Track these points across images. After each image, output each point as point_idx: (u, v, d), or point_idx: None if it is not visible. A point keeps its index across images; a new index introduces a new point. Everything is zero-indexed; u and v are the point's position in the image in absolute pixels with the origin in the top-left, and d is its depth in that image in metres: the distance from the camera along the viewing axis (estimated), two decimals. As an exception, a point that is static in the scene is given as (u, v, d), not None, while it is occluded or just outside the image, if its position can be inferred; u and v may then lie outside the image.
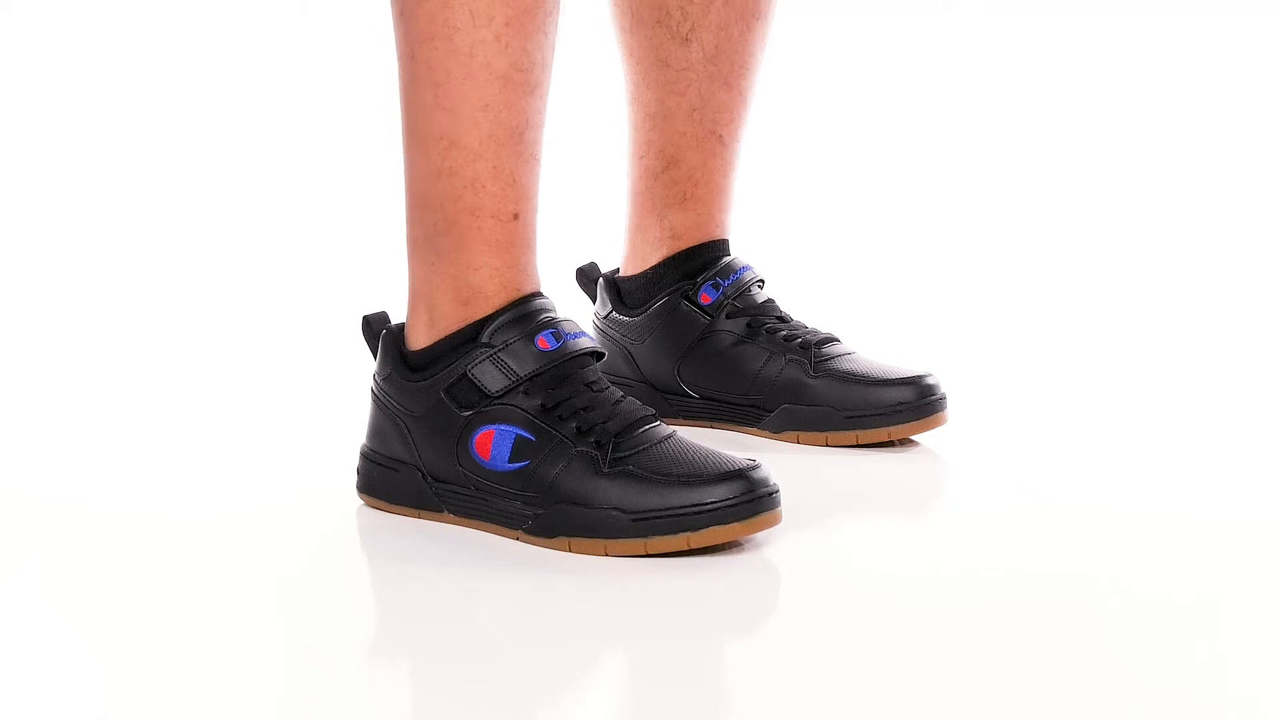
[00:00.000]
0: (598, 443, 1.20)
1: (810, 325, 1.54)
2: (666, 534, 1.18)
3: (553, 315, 1.26)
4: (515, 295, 1.26)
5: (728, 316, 1.53)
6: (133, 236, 2.39)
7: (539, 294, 1.28)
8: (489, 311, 1.25)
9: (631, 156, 1.55)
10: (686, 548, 1.18)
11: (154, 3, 2.65)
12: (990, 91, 2.71)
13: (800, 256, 2.25)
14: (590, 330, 1.56)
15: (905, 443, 1.49)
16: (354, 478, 1.32)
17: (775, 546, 1.21)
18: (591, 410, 1.22)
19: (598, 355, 1.27)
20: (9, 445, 1.54)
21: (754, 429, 1.52)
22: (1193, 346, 1.92)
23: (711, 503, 1.18)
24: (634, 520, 1.18)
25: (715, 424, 1.54)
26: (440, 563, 1.19)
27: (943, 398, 1.48)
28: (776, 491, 1.21)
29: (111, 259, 2.31)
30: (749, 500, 1.19)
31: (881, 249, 2.43)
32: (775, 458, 1.41)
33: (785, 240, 2.28)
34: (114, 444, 1.54)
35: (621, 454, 1.20)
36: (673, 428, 1.26)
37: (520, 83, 1.23)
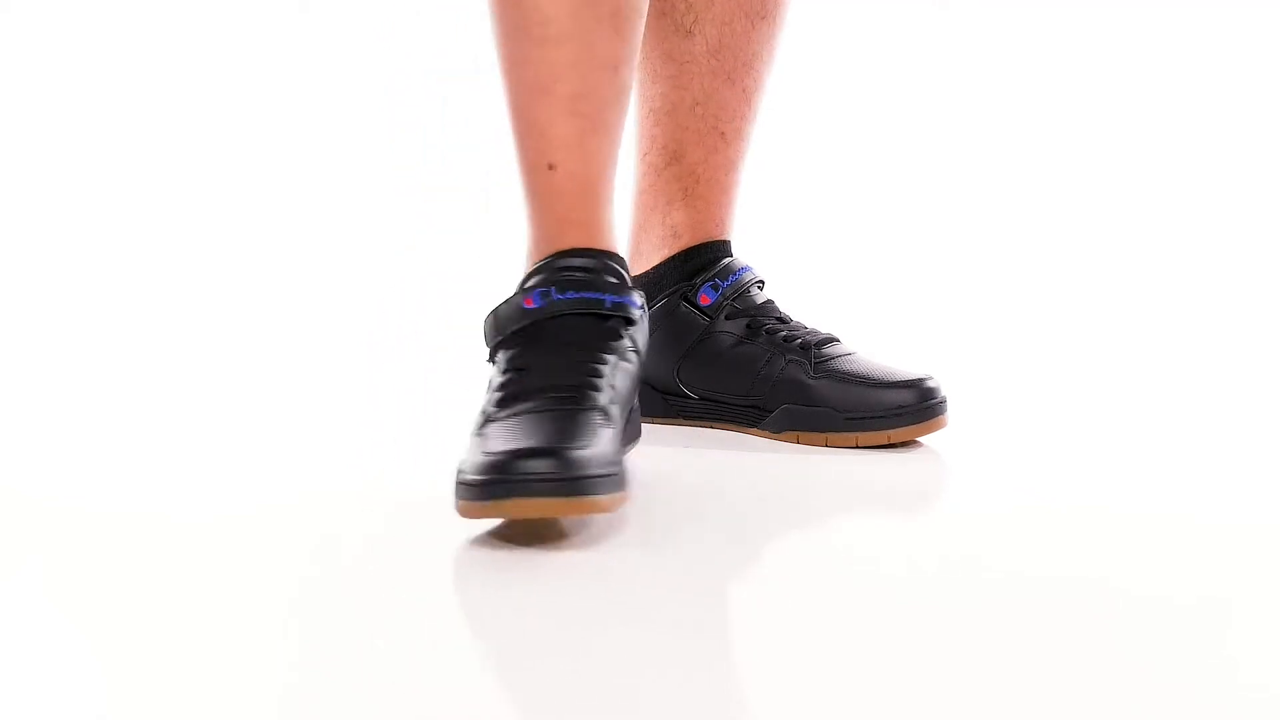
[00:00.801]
0: None
1: (810, 326, 1.54)
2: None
3: (565, 275, 1.28)
4: (548, 249, 1.30)
5: (727, 318, 1.53)
6: (133, 236, 2.40)
7: (572, 251, 1.29)
8: (530, 266, 1.31)
9: (636, 155, 1.56)
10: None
11: (154, 2, 2.65)
12: (990, 95, 2.71)
13: (802, 258, 2.25)
14: None
15: (906, 443, 1.49)
16: (353, 478, 1.33)
17: (775, 545, 1.21)
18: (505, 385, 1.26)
19: (622, 319, 1.29)
20: (9, 445, 1.54)
21: (754, 429, 1.52)
22: (1191, 347, 1.92)
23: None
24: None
25: (715, 424, 1.54)
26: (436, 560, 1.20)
27: (943, 401, 1.49)
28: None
29: (113, 258, 2.31)
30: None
31: (882, 250, 2.43)
32: (775, 458, 1.42)
33: (787, 241, 2.29)
34: (115, 443, 1.54)
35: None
36: None
37: (537, 36, 1.26)
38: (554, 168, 1.28)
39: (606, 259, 1.30)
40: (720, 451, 1.47)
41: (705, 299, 1.53)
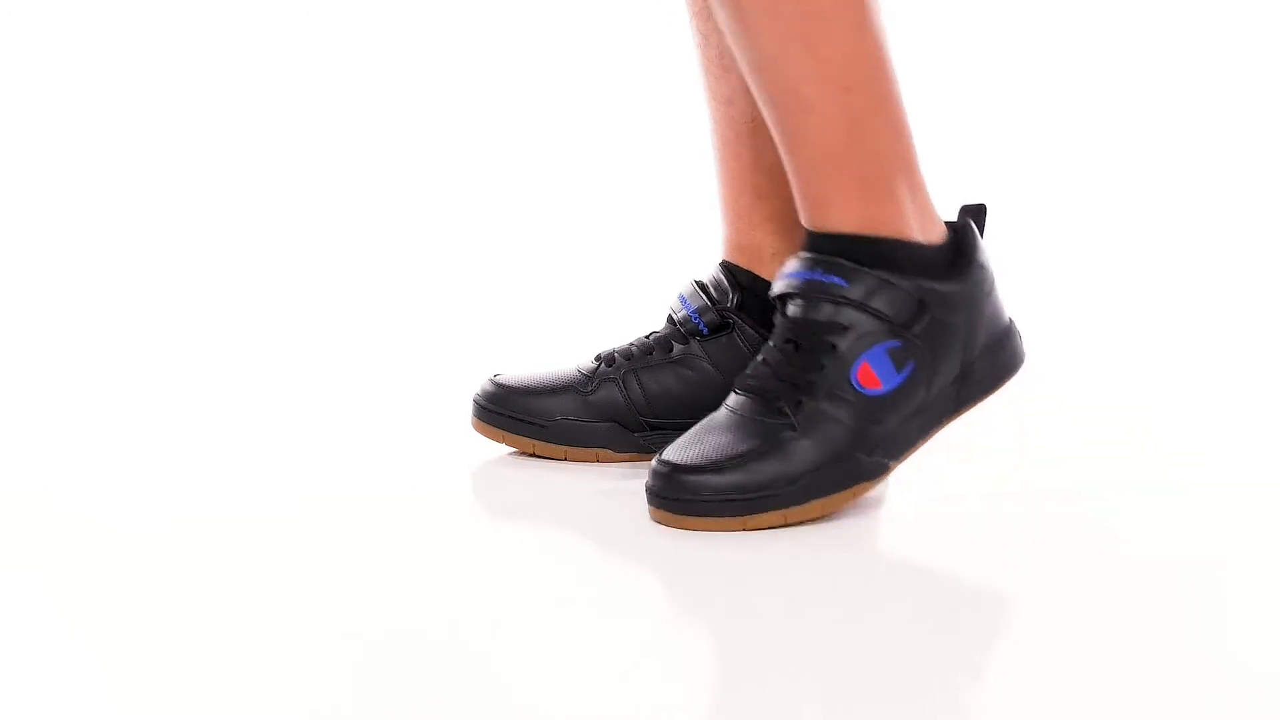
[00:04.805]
0: None
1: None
2: None
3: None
4: None
5: None
6: (132, 236, 2.40)
7: None
8: None
9: None
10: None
11: (155, 2, 2.66)
12: (953, 95, 2.68)
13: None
14: None
15: None
16: (352, 486, 1.36)
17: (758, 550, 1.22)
18: None
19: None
20: (15, 447, 1.55)
21: None
22: (1169, 357, 1.92)
23: None
24: None
25: None
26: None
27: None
28: None
29: (114, 259, 2.32)
30: None
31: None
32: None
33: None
34: (114, 444, 1.55)
35: None
36: None
37: None
38: None
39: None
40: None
41: None
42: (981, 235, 1.32)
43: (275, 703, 0.97)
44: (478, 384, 1.46)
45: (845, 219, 1.28)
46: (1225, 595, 1.14)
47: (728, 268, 1.45)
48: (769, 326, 1.39)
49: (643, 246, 2.29)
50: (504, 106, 2.59)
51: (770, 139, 1.39)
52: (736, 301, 1.42)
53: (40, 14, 2.62)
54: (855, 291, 1.26)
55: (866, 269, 1.26)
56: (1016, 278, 2.05)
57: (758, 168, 1.43)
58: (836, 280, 1.26)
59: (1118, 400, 1.69)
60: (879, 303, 1.26)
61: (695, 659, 1.05)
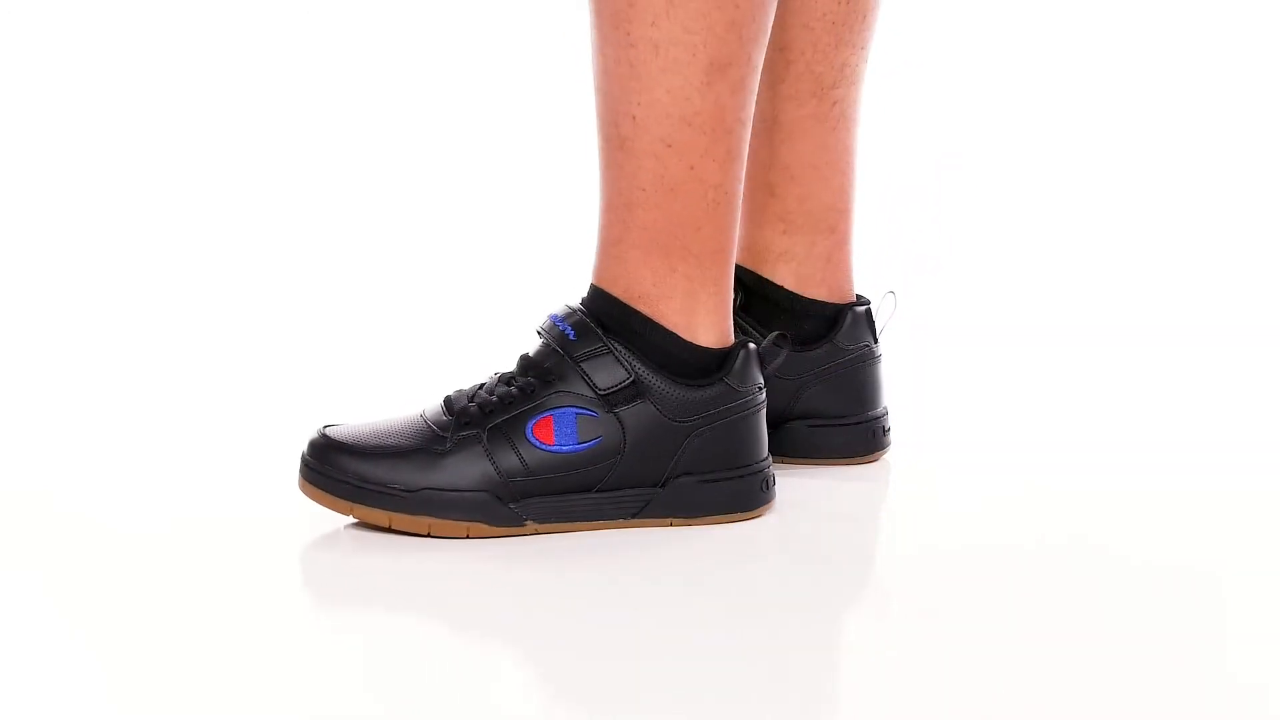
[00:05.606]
0: None
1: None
2: None
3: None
4: None
5: None
6: (131, 241, 2.40)
7: None
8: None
9: None
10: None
11: (155, 2, 2.65)
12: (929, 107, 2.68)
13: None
14: None
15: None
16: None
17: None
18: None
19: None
20: (15, 447, 1.55)
21: None
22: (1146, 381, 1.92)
23: None
24: None
25: None
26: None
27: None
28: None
29: (115, 263, 2.32)
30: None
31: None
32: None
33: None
34: (116, 444, 1.55)
35: None
36: None
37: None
38: None
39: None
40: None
41: None
42: (762, 366, 1.28)
43: (275, 703, 0.97)
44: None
45: (613, 277, 1.26)
46: (1224, 598, 1.14)
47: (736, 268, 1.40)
48: (768, 328, 1.38)
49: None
50: (499, 108, 2.60)
51: (786, 135, 1.39)
52: (740, 302, 1.39)
53: (40, 14, 2.62)
54: (578, 349, 1.24)
55: (602, 332, 1.24)
56: (1013, 277, 2.05)
57: (772, 165, 1.40)
58: (569, 332, 1.25)
59: (1114, 401, 1.70)
60: (592, 368, 1.23)
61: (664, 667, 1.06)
